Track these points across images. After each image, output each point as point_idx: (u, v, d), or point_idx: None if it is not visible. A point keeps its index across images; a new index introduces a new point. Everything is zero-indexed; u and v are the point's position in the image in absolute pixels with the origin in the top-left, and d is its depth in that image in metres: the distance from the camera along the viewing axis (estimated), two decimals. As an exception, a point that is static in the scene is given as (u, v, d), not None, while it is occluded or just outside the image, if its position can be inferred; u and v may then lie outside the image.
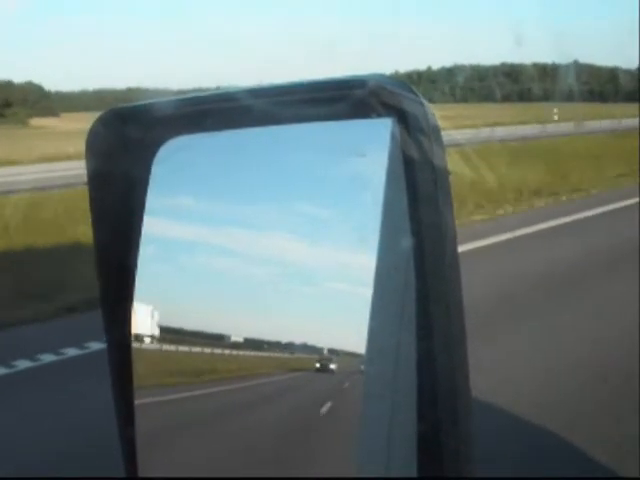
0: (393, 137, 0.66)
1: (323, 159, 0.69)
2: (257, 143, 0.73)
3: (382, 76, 0.69)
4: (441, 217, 0.67)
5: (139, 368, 0.74)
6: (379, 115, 0.66)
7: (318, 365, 0.66)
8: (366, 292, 0.63)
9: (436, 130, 0.67)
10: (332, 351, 0.65)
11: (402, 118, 0.66)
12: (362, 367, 0.64)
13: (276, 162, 0.71)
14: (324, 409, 0.66)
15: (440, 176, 0.67)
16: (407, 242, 0.66)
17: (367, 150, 0.67)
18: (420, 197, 0.66)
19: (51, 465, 3.73)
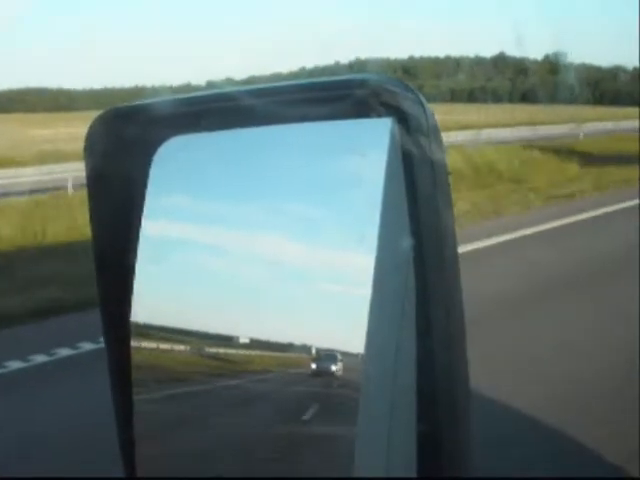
0: (393, 137, 0.65)
1: (323, 159, 0.69)
2: (257, 143, 0.73)
3: (382, 76, 0.69)
4: (440, 217, 0.67)
5: (138, 368, 0.74)
6: (379, 115, 0.66)
7: (314, 366, 0.66)
8: (365, 292, 0.63)
9: (435, 130, 0.67)
10: (329, 351, 0.65)
11: (402, 118, 0.66)
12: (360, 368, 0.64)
13: (276, 162, 0.71)
14: (315, 409, 0.66)
15: (439, 176, 0.67)
16: (407, 242, 0.66)
17: (367, 150, 0.66)
18: (419, 197, 0.66)
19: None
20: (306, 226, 0.67)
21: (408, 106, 0.66)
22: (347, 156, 0.67)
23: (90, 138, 0.79)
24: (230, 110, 0.74)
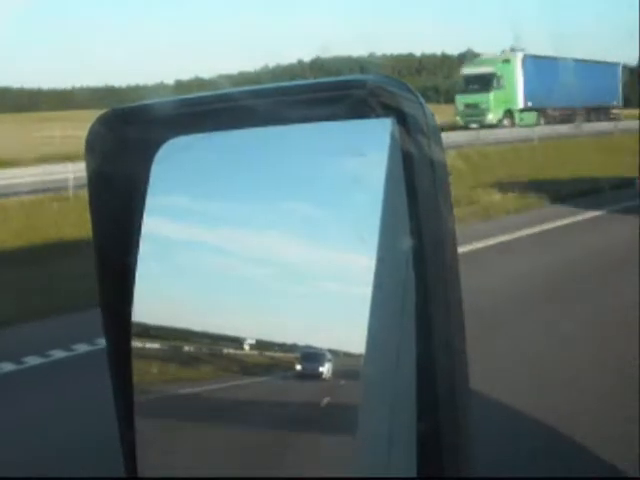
0: (392, 137, 0.66)
1: (323, 159, 0.69)
2: (257, 144, 0.73)
3: (382, 77, 0.69)
4: (441, 217, 0.67)
5: (139, 368, 0.74)
6: (378, 115, 0.66)
7: (299, 367, 0.62)
8: (366, 292, 0.63)
9: (435, 130, 0.67)
10: (329, 352, 0.64)
11: (401, 118, 0.66)
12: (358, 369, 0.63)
13: (276, 162, 0.71)
14: (322, 404, 0.66)
15: (439, 176, 0.67)
16: (407, 242, 0.66)
17: (367, 150, 0.67)
18: (419, 197, 0.66)
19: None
20: (306, 226, 0.68)
21: (408, 106, 0.66)
22: (347, 157, 0.67)
23: (91, 139, 0.79)
24: (231, 111, 0.75)
